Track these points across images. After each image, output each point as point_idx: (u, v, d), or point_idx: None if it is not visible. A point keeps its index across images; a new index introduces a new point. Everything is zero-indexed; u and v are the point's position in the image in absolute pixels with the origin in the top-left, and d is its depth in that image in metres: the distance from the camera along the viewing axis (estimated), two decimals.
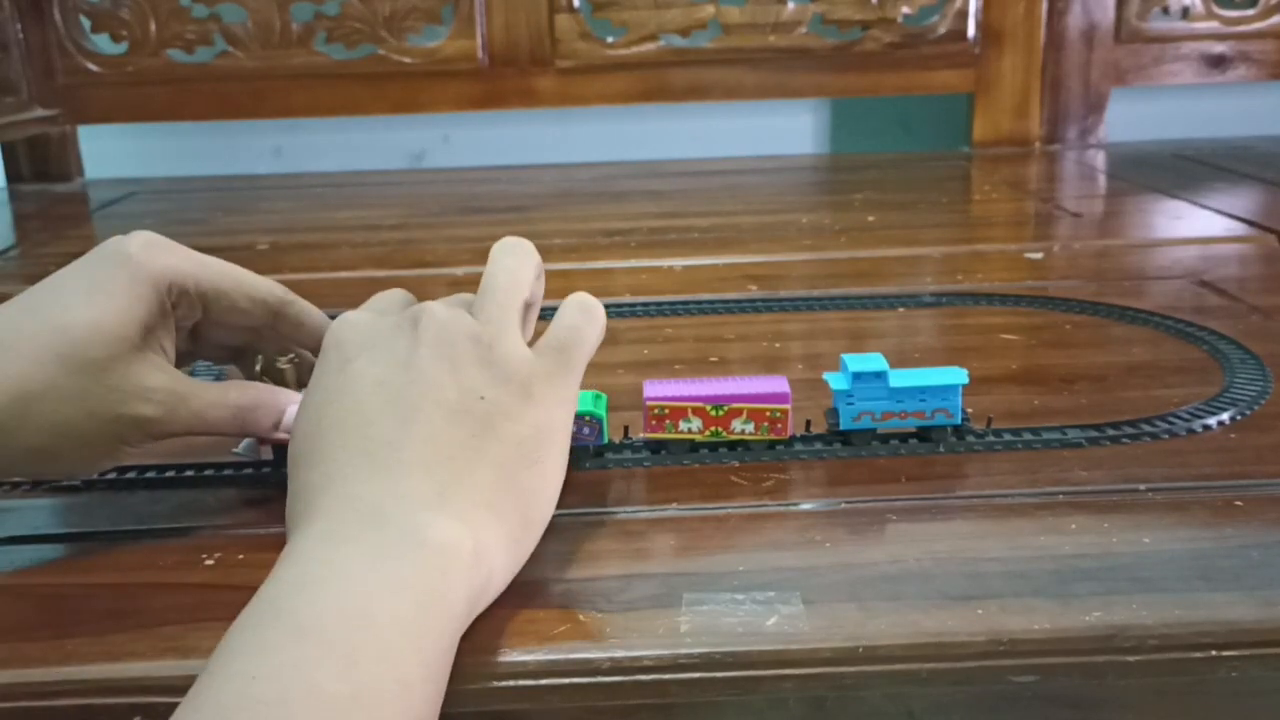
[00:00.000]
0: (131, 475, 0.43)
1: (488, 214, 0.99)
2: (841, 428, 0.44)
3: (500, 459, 0.33)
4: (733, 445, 0.43)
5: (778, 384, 0.43)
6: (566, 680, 0.31)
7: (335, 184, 1.17)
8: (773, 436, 0.43)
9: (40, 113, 1.17)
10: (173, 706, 0.26)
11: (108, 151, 1.27)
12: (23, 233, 1.00)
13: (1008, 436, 0.44)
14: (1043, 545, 0.36)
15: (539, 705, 0.31)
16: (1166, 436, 0.45)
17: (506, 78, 1.18)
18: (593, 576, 0.35)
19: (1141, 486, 0.40)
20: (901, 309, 0.64)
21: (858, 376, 0.43)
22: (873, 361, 0.43)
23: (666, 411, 0.43)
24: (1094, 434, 0.45)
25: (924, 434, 0.44)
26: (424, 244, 0.86)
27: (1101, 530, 0.37)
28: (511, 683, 0.31)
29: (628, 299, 0.67)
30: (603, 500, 0.41)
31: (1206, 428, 0.45)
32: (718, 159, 1.24)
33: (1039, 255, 0.76)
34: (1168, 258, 0.76)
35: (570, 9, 1.16)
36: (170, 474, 0.43)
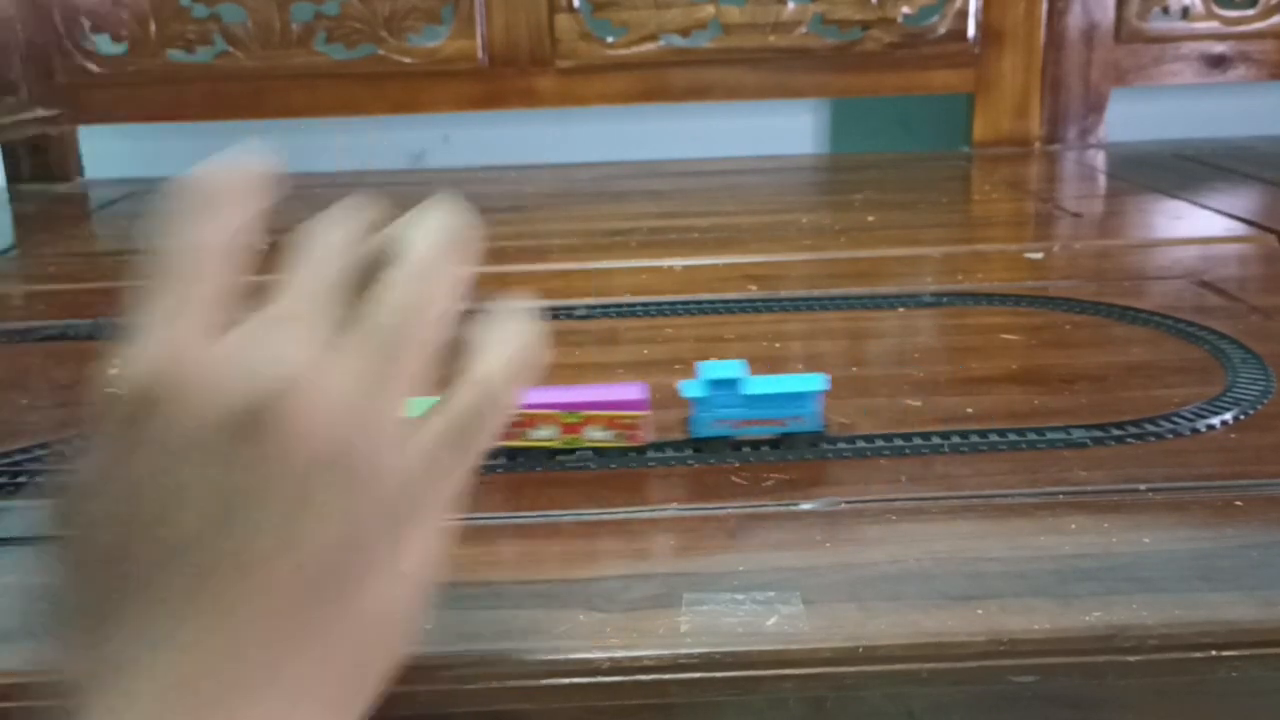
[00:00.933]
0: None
1: (488, 214, 0.99)
2: (696, 435, 0.43)
3: (357, 634, 0.24)
4: (596, 451, 0.43)
5: (635, 391, 0.43)
6: (566, 680, 0.31)
7: (335, 184, 1.17)
8: (628, 444, 0.43)
9: (40, 113, 1.17)
10: None
11: (108, 151, 1.26)
12: (23, 233, 1.00)
13: (1012, 436, 0.44)
14: (1043, 545, 0.36)
15: (539, 705, 0.31)
16: (1170, 436, 0.45)
17: (506, 78, 1.18)
18: (593, 576, 0.35)
19: (1141, 486, 0.40)
20: (901, 309, 0.64)
21: (712, 384, 0.42)
22: (730, 368, 0.43)
23: (521, 419, 0.42)
24: (1098, 434, 0.45)
25: (788, 441, 0.44)
26: None
27: (1101, 530, 0.37)
28: (511, 683, 0.31)
29: (628, 299, 0.67)
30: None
31: (1210, 427, 0.45)
32: (718, 159, 1.24)
33: (1039, 255, 0.76)
34: (1168, 258, 0.76)
35: (570, 9, 1.16)
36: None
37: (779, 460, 0.43)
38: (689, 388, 0.43)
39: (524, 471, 0.43)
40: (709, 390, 0.43)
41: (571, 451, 0.43)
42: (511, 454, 0.43)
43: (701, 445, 0.44)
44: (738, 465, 0.43)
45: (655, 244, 0.82)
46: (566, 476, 0.42)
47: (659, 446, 0.44)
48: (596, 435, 0.43)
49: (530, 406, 0.42)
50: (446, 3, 1.16)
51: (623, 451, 0.43)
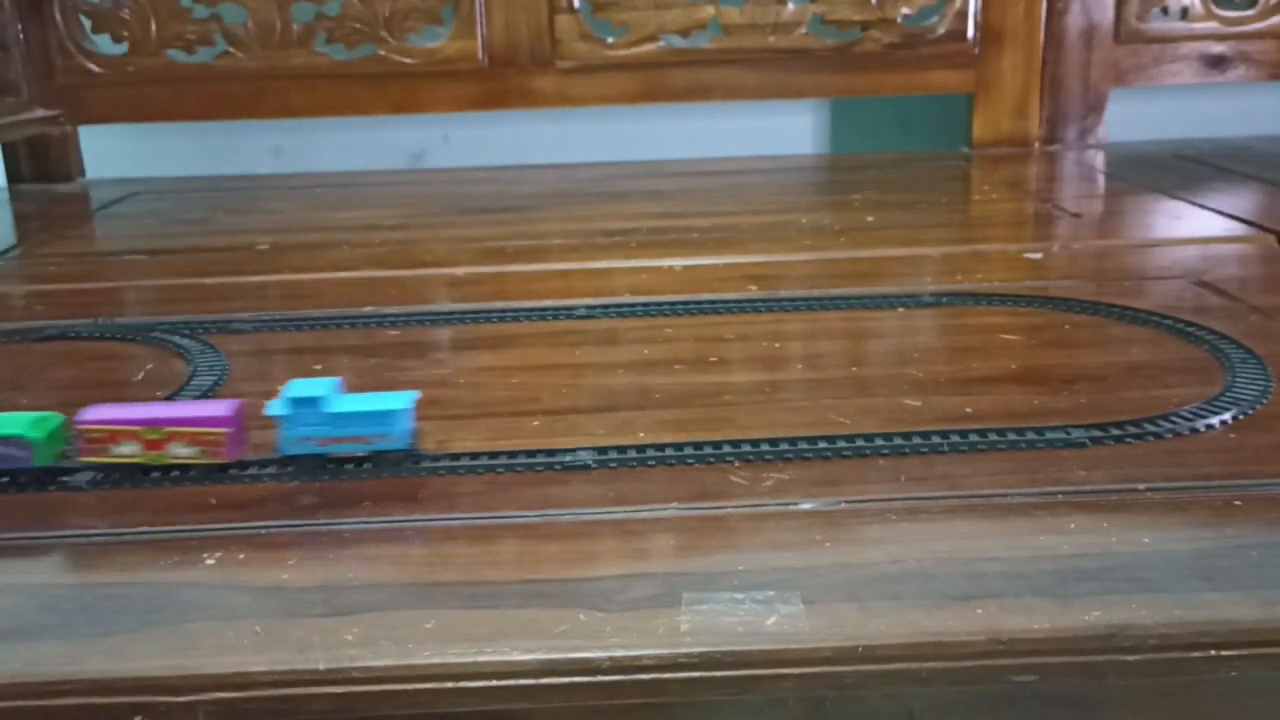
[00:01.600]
0: (133, 475, 0.43)
1: (488, 214, 0.99)
2: (282, 453, 0.43)
3: None
4: (182, 468, 0.43)
5: (224, 408, 0.42)
6: (566, 680, 0.31)
7: (335, 184, 1.17)
8: (213, 460, 0.43)
9: (40, 113, 1.17)
10: (173, 706, 0.26)
11: (108, 151, 1.26)
12: (23, 233, 1.00)
13: (1012, 436, 0.44)
14: (1042, 545, 0.36)
15: (539, 705, 0.31)
16: (1170, 436, 0.45)
17: (506, 78, 1.18)
18: (593, 576, 0.35)
19: (1141, 486, 0.40)
20: (901, 309, 0.64)
21: (294, 402, 0.42)
22: (318, 386, 0.42)
23: (102, 435, 0.42)
24: (1097, 434, 0.45)
25: (377, 458, 0.43)
26: (424, 244, 0.86)
27: (1101, 530, 0.37)
28: (511, 683, 0.31)
29: (628, 299, 0.67)
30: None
31: (1209, 427, 0.45)
32: (718, 159, 1.24)
33: (1039, 255, 0.76)
34: (1168, 258, 0.76)
35: (570, 9, 1.16)
36: (174, 474, 0.43)
37: (365, 478, 0.43)
38: (273, 406, 0.42)
39: (109, 489, 0.43)
40: (292, 409, 0.42)
41: (158, 469, 0.43)
42: (102, 469, 0.43)
43: (292, 463, 0.43)
44: (322, 483, 0.42)
45: (655, 244, 0.82)
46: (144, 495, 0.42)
47: (245, 464, 0.43)
48: (181, 451, 0.42)
49: (111, 422, 0.42)
50: (446, 3, 1.16)
51: (209, 468, 0.43)
